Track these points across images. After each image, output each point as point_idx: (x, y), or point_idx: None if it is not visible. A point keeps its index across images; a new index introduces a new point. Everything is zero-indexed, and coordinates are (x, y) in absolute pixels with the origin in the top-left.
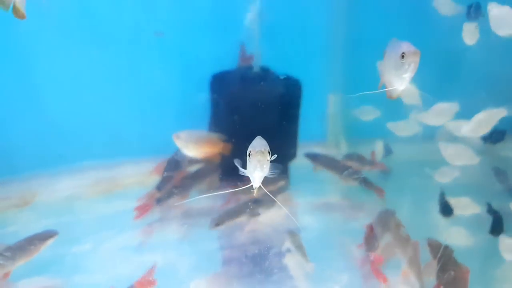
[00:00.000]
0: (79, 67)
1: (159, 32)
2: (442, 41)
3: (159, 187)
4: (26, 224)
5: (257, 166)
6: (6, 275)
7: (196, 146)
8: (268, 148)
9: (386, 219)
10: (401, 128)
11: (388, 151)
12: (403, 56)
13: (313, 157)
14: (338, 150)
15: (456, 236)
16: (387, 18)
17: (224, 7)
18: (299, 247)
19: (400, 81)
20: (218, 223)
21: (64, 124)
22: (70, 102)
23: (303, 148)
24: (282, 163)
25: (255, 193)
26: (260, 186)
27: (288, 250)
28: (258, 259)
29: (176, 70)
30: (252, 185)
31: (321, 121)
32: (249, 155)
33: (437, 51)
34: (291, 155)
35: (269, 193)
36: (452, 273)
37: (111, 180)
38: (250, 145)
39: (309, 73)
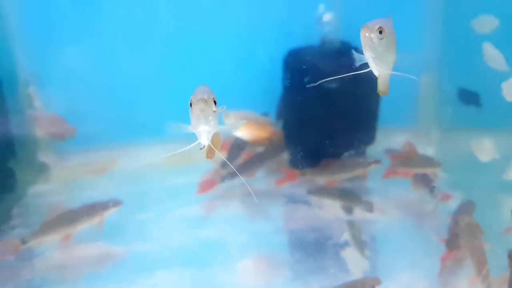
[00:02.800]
0: (159, 41)
1: None
2: None
3: (224, 164)
4: (100, 190)
5: (201, 118)
6: (67, 237)
7: (245, 127)
8: (213, 96)
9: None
10: None
11: None
12: (191, 104)
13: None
14: (428, 139)
15: None
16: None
17: None
18: (357, 241)
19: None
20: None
21: (145, 95)
22: (153, 75)
23: (388, 133)
24: (358, 147)
25: (205, 153)
26: (210, 145)
27: (347, 243)
28: (314, 247)
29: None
30: (199, 143)
31: (411, 104)
32: (191, 105)
33: None
34: (369, 139)
35: (220, 154)
36: None
37: (186, 152)
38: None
39: (399, 50)
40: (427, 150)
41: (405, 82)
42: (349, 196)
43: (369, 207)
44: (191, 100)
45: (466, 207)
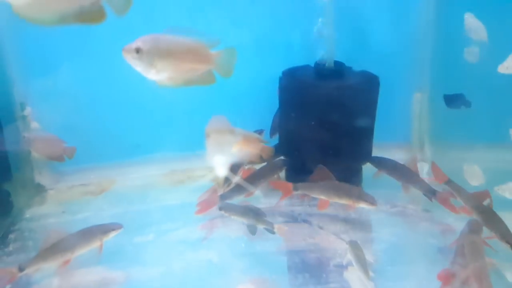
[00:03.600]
0: None
1: None
2: None
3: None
4: (98, 212)
5: (216, 150)
6: (66, 262)
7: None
8: (229, 126)
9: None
10: None
11: None
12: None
13: (377, 162)
14: (423, 155)
15: None
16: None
17: None
18: (360, 262)
19: None
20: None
21: (144, 115)
22: (151, 96)
23: (383, 150)
24: (354, 165)
25: (220, 184)
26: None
27: (350, 263)
28: (316, 269)
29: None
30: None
31: (406, 121)
32: (206, 136)
33: None
34: (364, 157)
35: (241, 182)
36: None
37: (184, 171)
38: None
39: (393, 69)
40: (422, 166)
41: (399, 99)
42: (256, 216)
43: (271, 228)
44: (206, 131)
45: (474, 226)
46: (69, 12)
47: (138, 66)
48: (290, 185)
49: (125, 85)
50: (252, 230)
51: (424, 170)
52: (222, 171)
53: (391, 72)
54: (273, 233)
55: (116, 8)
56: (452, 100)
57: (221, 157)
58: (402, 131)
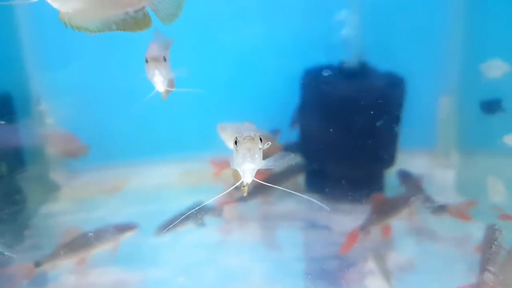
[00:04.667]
0: (174, 58)
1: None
2: None
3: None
4: (113, 210)
5: (247, 157)
6: (82, 261)
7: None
8: (259, 133)
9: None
10: None
11: None
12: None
13: (402, 175)
14: (448, 162)
15: None
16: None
17: None
18: (384, 270)
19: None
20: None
21: (159, 113)
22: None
23: (408, 156)
24: (377, 170)
25: (245, 191)
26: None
27: (371, 272)
28: (336, 276)
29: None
30: (241, 182)
31: (432, 126)
32: (236, 142)
33: None
34: (388, 162)
35: (261, 182)
36: None
37: (200, 172)
38: (238, 130)
39: (420, 72)
40: (447, 173)
41: (425, 104)
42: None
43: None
44: (237, 138)
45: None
46: (113, 20)
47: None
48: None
49: (142, 83)
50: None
51: (449, 177)
52: (250, 177)
53: (417, 74)
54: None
55: (163, 16)
56: (489, 106)
57: (250, 165)
58: (427, 136)
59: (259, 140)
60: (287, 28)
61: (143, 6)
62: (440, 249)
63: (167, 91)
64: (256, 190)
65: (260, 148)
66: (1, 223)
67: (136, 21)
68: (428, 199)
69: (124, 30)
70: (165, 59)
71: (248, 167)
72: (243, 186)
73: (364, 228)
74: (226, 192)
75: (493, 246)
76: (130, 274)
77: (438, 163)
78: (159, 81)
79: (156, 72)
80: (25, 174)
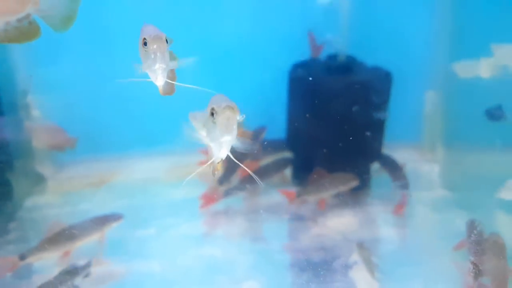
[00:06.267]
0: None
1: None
2: None
3: (221, 181)
4: (99, 204)
5: (226, 127)
6: (66, 253)
7: None
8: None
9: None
10: None
11: None
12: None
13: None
14: (433, 156)
15: None
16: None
17: None
18: (367, 261)
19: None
20: None
21: (147, 106)
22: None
23: (393, 150)
24: (363, 163)
25: (219, 167)
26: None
27: (355, 263)
28: (321, 267)
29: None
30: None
31: (418, 121)
32: (212, 114)
33: None
34: (374, 155)
35: (236, 160)
36: None
37: (187, 166)
38: (211, 101)
39: (406, 66)
40: (432, 167)
41: (412, 96)
42: None
43: None
44: (213, 109)
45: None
46: None
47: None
48: (293, 192)
49: (130, 75)
50: None
51: (435, 171)
52: (226, 151)
53: (404, 68)
54: None
55: (56, 23)
56: (493, 113)
57: (228, 136)
58: (414, 130)
59: (238, 111)
60: (274, 23)
61: (28, 13)
62: (425, 242)
63: (169, 85)
64: (243, 183)
65: (238, 119)
66: None
67: (21, 31)
68: (407, 185)
69: (10, 42)
70: (167, 41)
71: (226, 139)
72: (218, 162)
73: (299, 195)
74: (200, 169)
75: (472, 237)
76: (116, 266)
77: (424, 157)
78: (161, 69)
79: (159, 55)
80: (11, 166)
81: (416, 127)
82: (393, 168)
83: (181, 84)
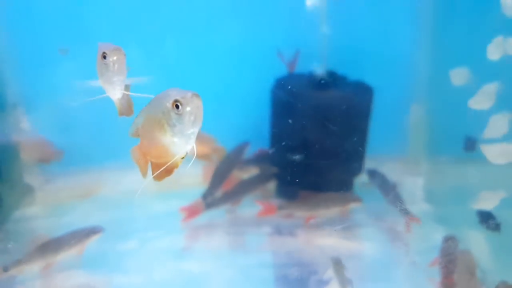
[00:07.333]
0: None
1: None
2: None
3: (204, 196)
4: (83, 216)
5: (196, 118)
6: (48, 265)
7: None
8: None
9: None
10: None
11: None
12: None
13: (371, 173)
14: (418, 169)
15: None
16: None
17: None
18: (342, 279)
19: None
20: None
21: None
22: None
23: (378, 162)
24: (346, 178)
25: (181, 161)
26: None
27: (331, 279)
28: (297, 283)
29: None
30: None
31: (402, 133)
32: (177, 106)
33: None
34: (356, 169)
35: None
36: None
37: (171, 178)
38: (164, 96)
39: (390, 78)
40: (416, 180)
41: (396, 109)
42: None
43: None
44: (178, 101)
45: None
46: None
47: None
48: (273, 205)
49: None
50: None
51: (418, 184)
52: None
53: (388, 81)
54: None
55: None
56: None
57: (196, 128)
58: (398, 143)
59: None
60: (255, 37)
61: None
62: (402, 257)
63: (126, 105)
64: (225, 196)
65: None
66: None
67: None
68: (397, 199)
69: None
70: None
71: (195, 131)
72: (182, 158)
73: (282, 208)
74: (157, 173)
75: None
76: (95, 278)
77: (408, 170)
78: (119, 81)
79: (117, 67)
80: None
81: (401, 140)
82: (385, 188)
83: (135, 94)
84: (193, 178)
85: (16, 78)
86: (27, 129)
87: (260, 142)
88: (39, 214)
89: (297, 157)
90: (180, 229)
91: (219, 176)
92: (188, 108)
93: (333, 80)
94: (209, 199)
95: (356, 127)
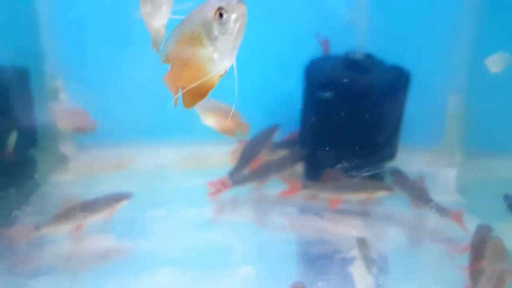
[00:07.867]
0: None
1: None
2: None
3: (232, 173)
4: (114, 186)
5: (242, 26)
6: (79, 227)
7: (213, 116)
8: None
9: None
10: None
11: None
12: (220, 14)
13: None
14: (451, 161)
15: None
16: None
17: None
18: (366, 258)
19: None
20: None
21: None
22: None
23: (410, 152)
24: (378, 163)
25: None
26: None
27: (355, 258)
28: (320, 260)
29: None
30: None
31: (436, 123)
32: (221, 15)
33: None
34: (388, 155)
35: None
36: None
37: (203, 156)
38: (207, 4)
39: (429, 66)
40: (449, 172)
41: (432, 98)
42: None
43: None
44: (222, 9)
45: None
46: None
47: None
48: (298, 183)
49: (155, 64)
50: None
51: (451, 176)
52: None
53: (425, 70)
54: None
55: None
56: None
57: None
58: (431, 133)
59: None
60: (290, 19)
61: None
62: (430, 244)
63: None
64: (252, 175)
65: None
66: (11, 186)
67: None
68: (427, 199)
69: None
70: None
71: (237, 44)
72: (221, 75)
73: (306, 188)
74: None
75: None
76: (122, 243)
77: (441, 161)
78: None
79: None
80: (36, 144)
81: (436, 130)
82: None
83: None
84: (221, 158)
85: (56, 48)
86: (64, 99)
87: (291, 126)
88: (72, 182)
89: (328, 140)
90: (206, 202)
91: (247, 155)
92: (234, 15)
93: (369, 63)
94: (236, 177)
95: (391, 112)
